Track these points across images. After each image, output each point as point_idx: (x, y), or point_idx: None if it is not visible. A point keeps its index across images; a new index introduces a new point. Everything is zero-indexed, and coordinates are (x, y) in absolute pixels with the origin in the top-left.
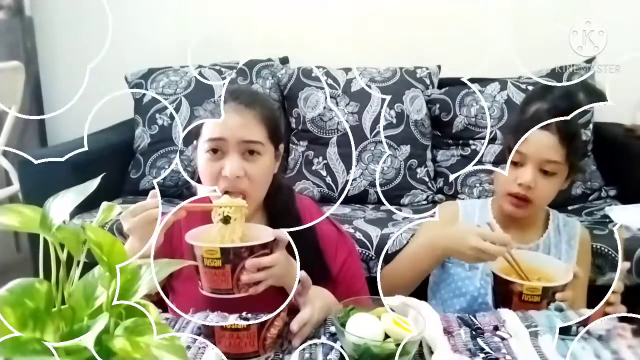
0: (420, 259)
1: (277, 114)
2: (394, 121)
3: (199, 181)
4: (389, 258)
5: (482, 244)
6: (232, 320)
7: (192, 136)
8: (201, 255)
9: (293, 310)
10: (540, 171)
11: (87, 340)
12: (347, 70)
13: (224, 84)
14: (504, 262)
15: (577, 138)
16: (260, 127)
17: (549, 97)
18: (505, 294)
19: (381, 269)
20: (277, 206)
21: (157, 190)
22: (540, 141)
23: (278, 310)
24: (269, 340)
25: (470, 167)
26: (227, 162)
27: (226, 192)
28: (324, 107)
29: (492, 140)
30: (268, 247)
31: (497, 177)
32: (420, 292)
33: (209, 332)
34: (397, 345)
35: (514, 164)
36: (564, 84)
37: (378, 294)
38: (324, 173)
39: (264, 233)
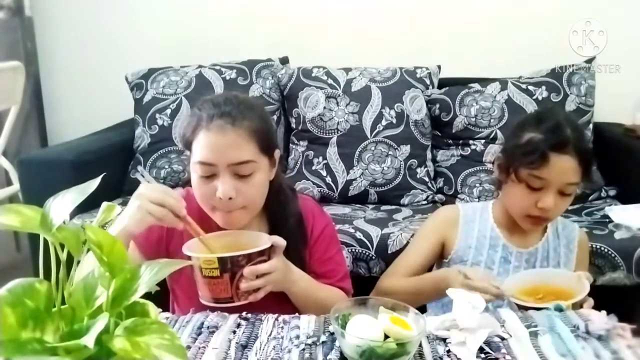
0: (424, 290)
1: (268, 122)
2: (394, 121)
3: None
4: (389, 258)
5: (466, 283)
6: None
7: (184, 145)
8: (199, 265)
9: (283, 301)
10: (559, 192)
11: (87, 340)
12: (347, 70)
13: (203, 101)
14: (518, 287)
15: (592, 156)
16: (250, 144)
17: (543, 127)
18: None
19: (383, 271)
20: (277, 210)
21: (182, 199)
22: (563, 167)
23: (244, 252)
24: (242, 290)
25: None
26: (219, 184)
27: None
28: (324, 107)
29: (493, 140)
30: (265, 254)
31: (515, 199)
32: None
33: (196, 279)
34: (398, 344)
35: (532, 188)
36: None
37: (376, 294)
38: (324, 173)
39: (261, 240)
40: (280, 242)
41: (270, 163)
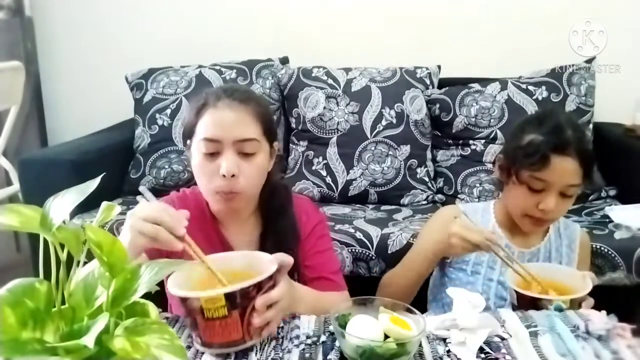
0: (414, 266)
1: (271, 112)
2: (394, 121)
3: (195, 183)
4: (389, 258)
5: (462, 230)
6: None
7: (187, 133)
8: (199, 307)
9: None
10: (560, 194)
11: (87, 340)
12: (347, 70)
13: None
14: (519, 277)
15: (593, 157)
16: (254, 124)
17: (543, 129)
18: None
19: (383, 271)
20: (273, 209)
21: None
22: (564, 169)
23: (255, 281)
24: (255, 326)
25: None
26: (222, 161)
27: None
28: (324, 107)
29: (493, 140)
30: (273, 278)
31: (516, 201)
32: (420, 294)
33: (193, 323)
34: (398, 344)
35: (533, 190)
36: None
37: (375, 294)
38: (324, 173)
39: (265, 261)
40: (288, 260)
41: (271, 152)
